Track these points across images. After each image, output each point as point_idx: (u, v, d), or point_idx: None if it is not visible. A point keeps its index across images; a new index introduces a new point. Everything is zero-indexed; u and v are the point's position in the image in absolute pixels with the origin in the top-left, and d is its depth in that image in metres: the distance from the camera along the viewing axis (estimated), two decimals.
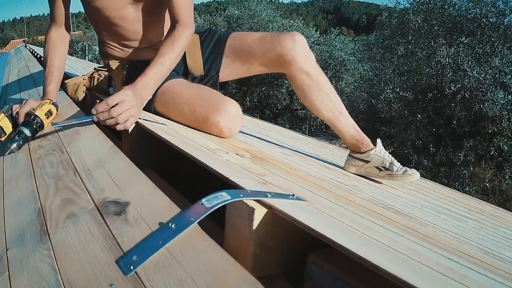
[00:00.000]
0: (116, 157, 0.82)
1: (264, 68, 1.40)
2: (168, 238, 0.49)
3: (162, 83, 1.24)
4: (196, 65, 1.40)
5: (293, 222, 0.51)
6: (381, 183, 1.43)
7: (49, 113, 1.14)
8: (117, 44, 1.35)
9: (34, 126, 1.09)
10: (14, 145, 1.05)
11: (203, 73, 1.41)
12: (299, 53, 1.31)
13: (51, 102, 1.17)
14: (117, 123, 0.96)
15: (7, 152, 1.04)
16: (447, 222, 1.16)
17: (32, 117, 1.09)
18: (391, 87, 6.52)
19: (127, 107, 0.96)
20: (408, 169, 1.36)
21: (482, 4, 5.98)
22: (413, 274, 0.44)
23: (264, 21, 10.95)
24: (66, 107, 1.40)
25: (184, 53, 1.39)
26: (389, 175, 1.36)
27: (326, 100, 1.38)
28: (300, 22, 12.77)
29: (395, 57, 6.83)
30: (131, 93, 0.99)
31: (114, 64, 1.38)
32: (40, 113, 1.11)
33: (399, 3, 7.06)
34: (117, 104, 0.96)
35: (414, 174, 1.34)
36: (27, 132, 1.07)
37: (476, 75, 5.52)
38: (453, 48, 5.87)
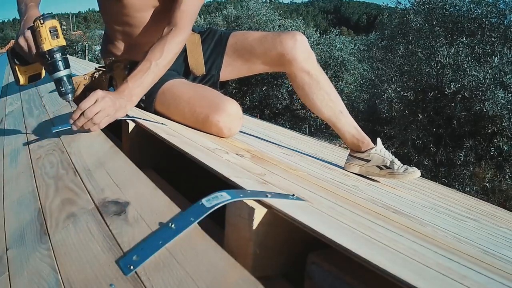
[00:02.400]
0: (116, 157, 0.82)
1: (265, 67, 1.40)
2: (168, 238, 0.49)
3: (163, 83, 1.24)
4: (198, 65, 1.40)
5: (293, 222, 0.50)
6: (381, 183, 1.43)
7: (54, 30, 0.91)
8: (125, 43, 1.35)
9: (59, 61, 0.91)
10: (69, 96, 0.97)
11: (204, 73, 1.41)
12: (300, 52, 1.31)
13: (44, 17, 0.93)
14: (95, 124, 0.94)
15: (72, 106, 0.97)
16: (447, 222, 1.16)
17: (48, 55, 0.90)
18: (391, 87, 6.52)
19: (101, 105, 0.93)
20: (408, 167, 1.36)
21: (484, 4, 5.98)
22: (413, 274, 0.44)
23: (263, 21, 10.95)
24: (66, 106, 1.40)
25: (185, 52, 1.39)
26: (390, 174, 1.36)
27: (326, 99, 1.38)
28: (300, 22, 12.77)
29: (396, 57, 6.83)
30: (102, 93, 0.96)
31: (115, 63, 1.38)
32: (48, 41, 0.90)
33: (399, 3, 7.07)
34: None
35: (415, 172, 1.35)
36: (63, 73, 0.94)
37: (475, 73, 5.52)
38: (453, 48, 5.87)
